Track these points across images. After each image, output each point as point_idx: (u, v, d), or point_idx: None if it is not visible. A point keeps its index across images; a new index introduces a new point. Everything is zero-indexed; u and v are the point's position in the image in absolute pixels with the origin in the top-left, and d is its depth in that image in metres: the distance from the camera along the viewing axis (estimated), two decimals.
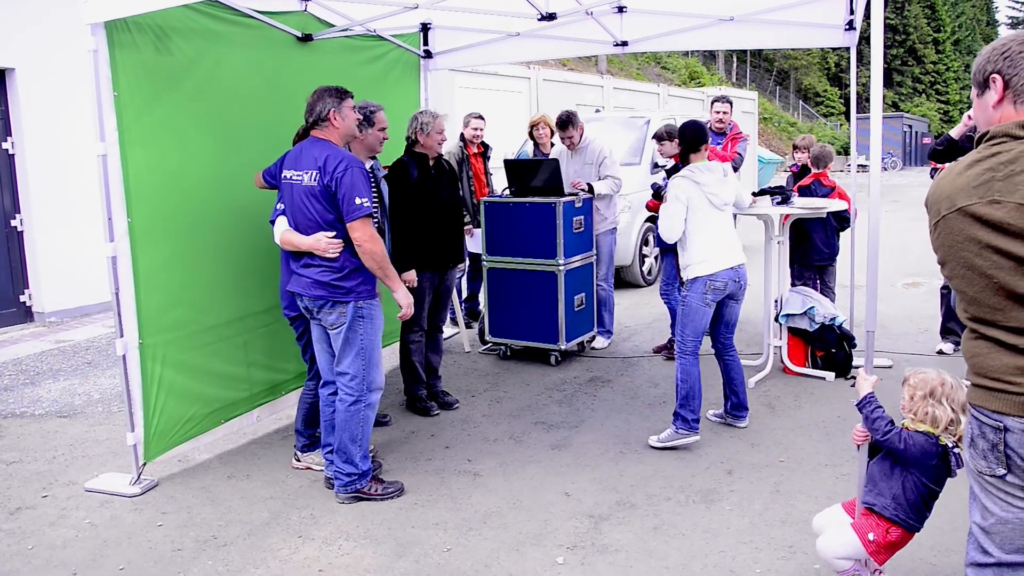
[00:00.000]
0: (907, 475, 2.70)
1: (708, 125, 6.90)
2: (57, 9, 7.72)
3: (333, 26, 5.23)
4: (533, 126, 6.79)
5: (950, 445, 2.64)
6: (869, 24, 3.21)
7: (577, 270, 5.98)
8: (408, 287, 4.49)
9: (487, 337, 6.25)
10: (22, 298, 8.07)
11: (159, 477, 4.14)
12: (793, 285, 6.02)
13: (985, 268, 1.78)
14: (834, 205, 5.81)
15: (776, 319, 5.69)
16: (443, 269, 5.02)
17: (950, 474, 2.68)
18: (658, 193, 4.59)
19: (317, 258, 3.64)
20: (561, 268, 5.75)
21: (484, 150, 7.07)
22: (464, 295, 7.44)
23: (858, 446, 2.83)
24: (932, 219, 1.89)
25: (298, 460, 4.27)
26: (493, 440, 4.60)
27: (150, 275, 3.95)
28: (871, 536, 2.71)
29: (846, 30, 5.52)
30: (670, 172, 5.31)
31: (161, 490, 4.03)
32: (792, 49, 44.72)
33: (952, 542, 3.20)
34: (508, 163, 6.14)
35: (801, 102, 48.65)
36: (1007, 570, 1.89)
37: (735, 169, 6.19)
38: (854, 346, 5.63)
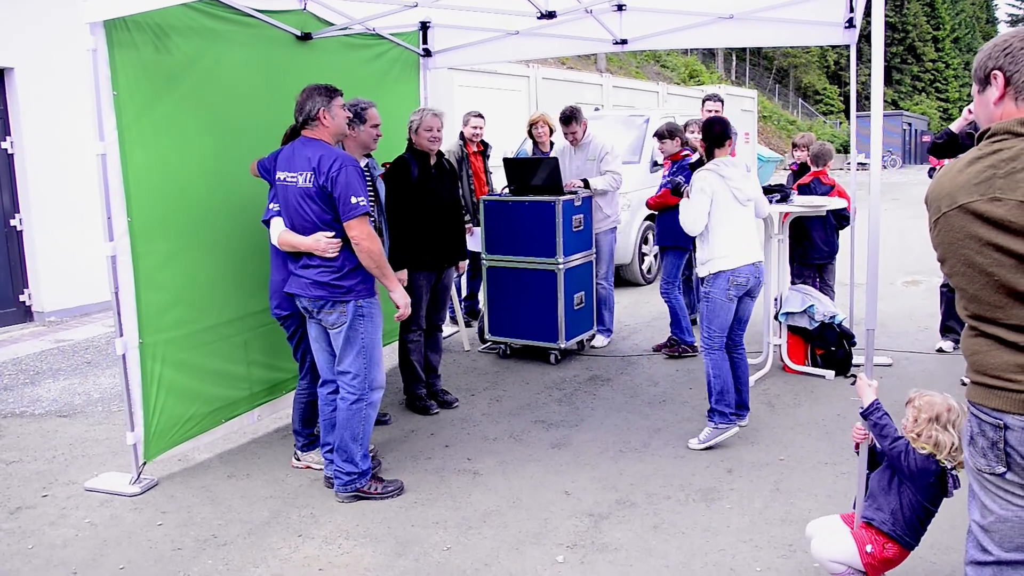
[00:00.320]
0: (904, 490, 2.71)
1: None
2: (57, 9, 7.71)
3: (332, 25, 5.22)
4: (532, 125, 6.79)
5: (949, 467, 2.66)
6: (869, 22, 3.21)
7: (576, 268, 5.98)
8: (404, 286, 4.48)
9: (487, 336, 6.25)
10: (22, 298, 8.06)
11: (159, 476, 4.14)
12: (793, 283, 6.02)
13: (986, 265, 1.77)
14: (834, 203, 5.81)
15: (776, 317, 5.69)
16: (440, 268, 5.01)
17: (946, 494, 2.71)
18: (677, 189, 4.57)
19: (316, 258, 3.64)
20: (560, 267, 5.75)
21: (484, 149, 7.06)
22: (464, 294, 7.44)
23: (857, 445, 2.83)
24: (932, 216, 1.89)
25: (298, 459, 4.27)
26: (493, 439, 4.60)
27: (150, 274, 3.95)
28: (869, 548, 2.72)
29: (846, 28, 5.52)
30: (694, 166, 5.31)
31: (161, 489, 4.03)
32: (791, 47, 44.72)
33: (951, 540, 3.20)
34: (507, 162, 6.13)
35: (801, 100, 48.64)
36: (1007, 568, 1.89)
37: None
38: (854, 344, 5.62)
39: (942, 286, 6.01)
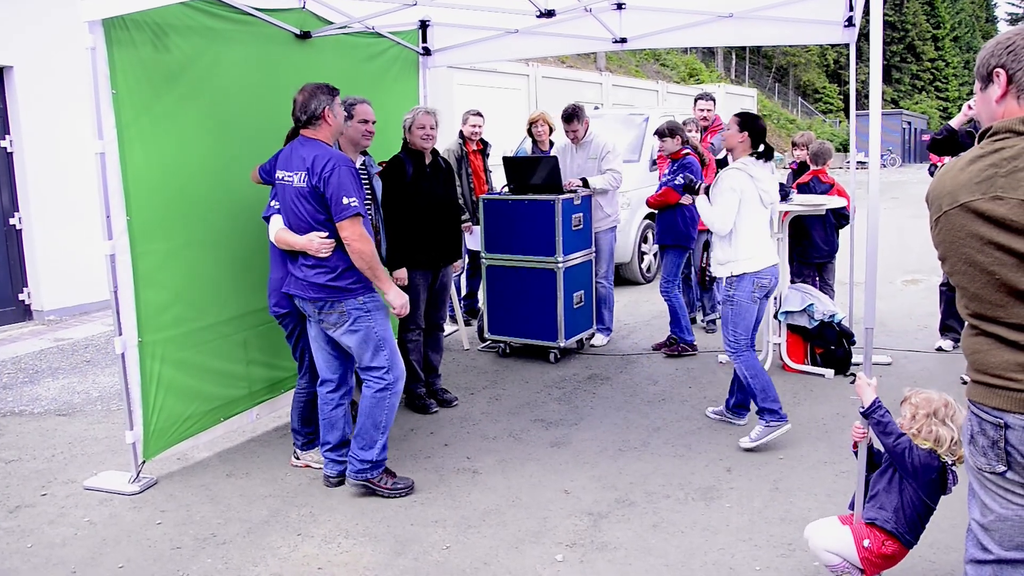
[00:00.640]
0: (905, 488, 2.72)
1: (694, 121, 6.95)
2: (56, 8, 7.70)
3: (332, 23, 5.21)
4: (532, 123, 6.78)
5: (949, 463, 2.68)
6: (868, 20, 3.20)
7: (576, 267, 5.97)
8: (400, 285, 4.48)
9: (486, 335, 6.25)
10: (21, 296, 8.06)
11: (158, 475, 4.14)
12: (792, 282, 6.02)
13: (987, 264, 1.77)
14: (833, 202, 5.81)
15: (775, 316, 5.68)
16: (437, 267, 5.00)
17: (945, 490, 2.72)
18: (690, 187, 4.54)
19: (312, 259, 3.64)
20: (560, 265, 5.75)
21: (483, 147, 7.06)
22: (463, 292, 7.44)
23: (855, 443, 2.83)
24: (933, 215, 1.88)
25: (297, 458, 4.26)
26: (492, 438, 4.60)
27: (149, 273, 3.94)
28: (866, 543, 2.73)
29: (845, 26, 5.52)
30: (720, 164, 5.28)
31: (160, 488, 4.02)
32: (791, 46, 44.69)
33: (951, 539, 3.20)
34: (507, 160, 6.13)
35: (800, 99, 48.65)
36: (1006, 567, 1.89)
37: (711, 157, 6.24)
38: (853, 343, 5.62)
39: (941, 285, 6.01)
